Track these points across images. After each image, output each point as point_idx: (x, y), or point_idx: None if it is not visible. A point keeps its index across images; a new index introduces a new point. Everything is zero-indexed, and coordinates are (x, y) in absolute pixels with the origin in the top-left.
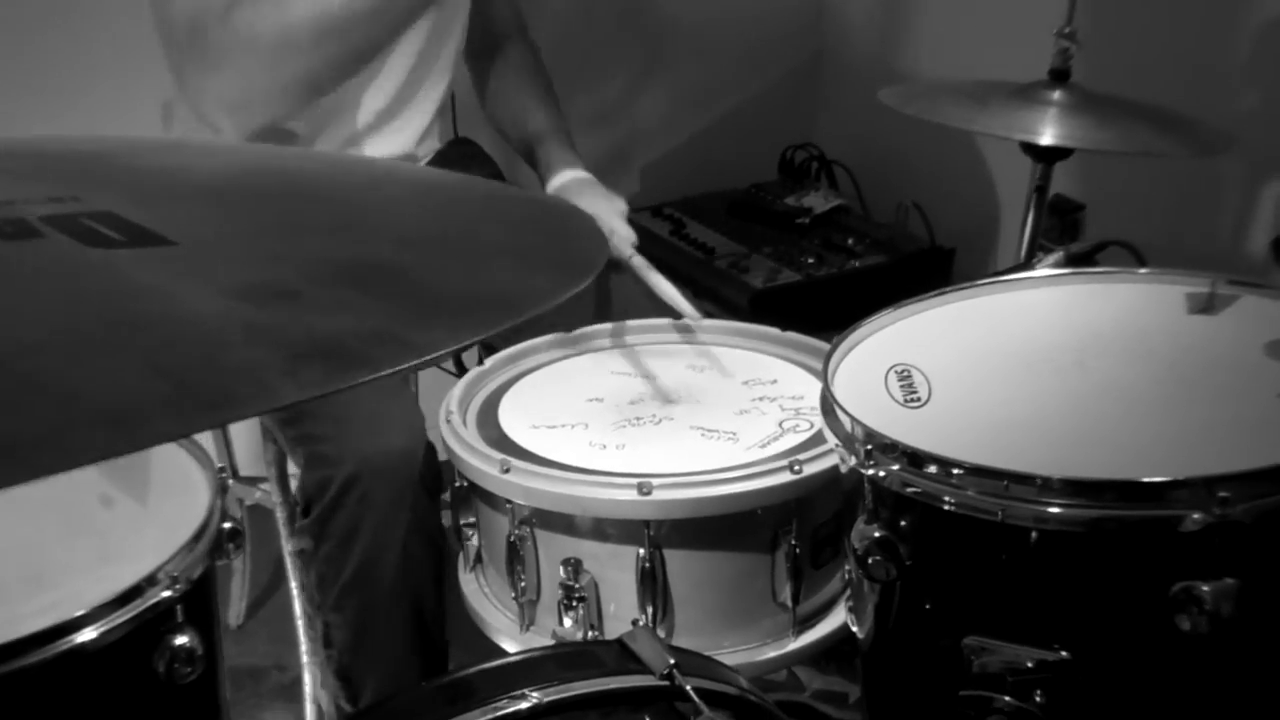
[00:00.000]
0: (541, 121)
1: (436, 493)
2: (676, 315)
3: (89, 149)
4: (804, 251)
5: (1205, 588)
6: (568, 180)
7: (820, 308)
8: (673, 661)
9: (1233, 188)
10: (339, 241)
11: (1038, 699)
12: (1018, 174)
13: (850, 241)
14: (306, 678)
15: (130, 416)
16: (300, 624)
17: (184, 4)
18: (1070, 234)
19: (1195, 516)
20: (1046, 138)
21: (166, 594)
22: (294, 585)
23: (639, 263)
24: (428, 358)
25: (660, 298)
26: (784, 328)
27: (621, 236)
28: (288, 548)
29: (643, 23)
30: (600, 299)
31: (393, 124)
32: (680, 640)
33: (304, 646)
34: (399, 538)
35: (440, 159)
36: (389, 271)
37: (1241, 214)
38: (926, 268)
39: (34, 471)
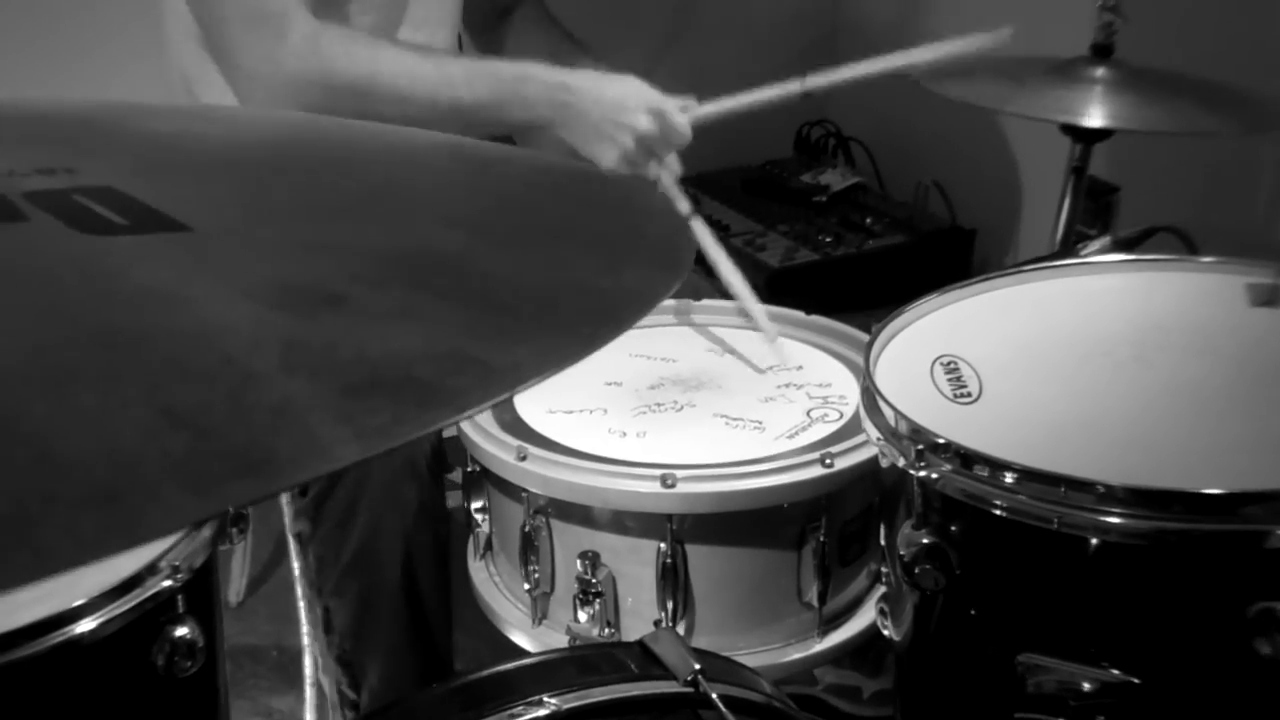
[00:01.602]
0: (573, 58)
1: (440, 473)
2: (693, 294)
3: (90, 112)
4: (821, 230)
5: None
6: None
7: (838, 287)
8: (698, 667)
9: (1273, 169)
10: (387, 225)
11: None
12: (1045, 152)
13: (869, 220)
14: (306, 659)
15: (130, 489)
16: (301, 606)
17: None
18: (1104, 217)
19: (1278, 532)
20: (1091, 119)
21: (167, 583)
22: (295, 568)
23: (689, 212)
24: (516, 390)
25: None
26: (807, 310)
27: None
28: (291, 530)
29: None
30: None
31: None
32: (700, 639)
33: (305, 629)
34: (399, 519)
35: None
36: (452, 265)
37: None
38: (947, 248)
39: None
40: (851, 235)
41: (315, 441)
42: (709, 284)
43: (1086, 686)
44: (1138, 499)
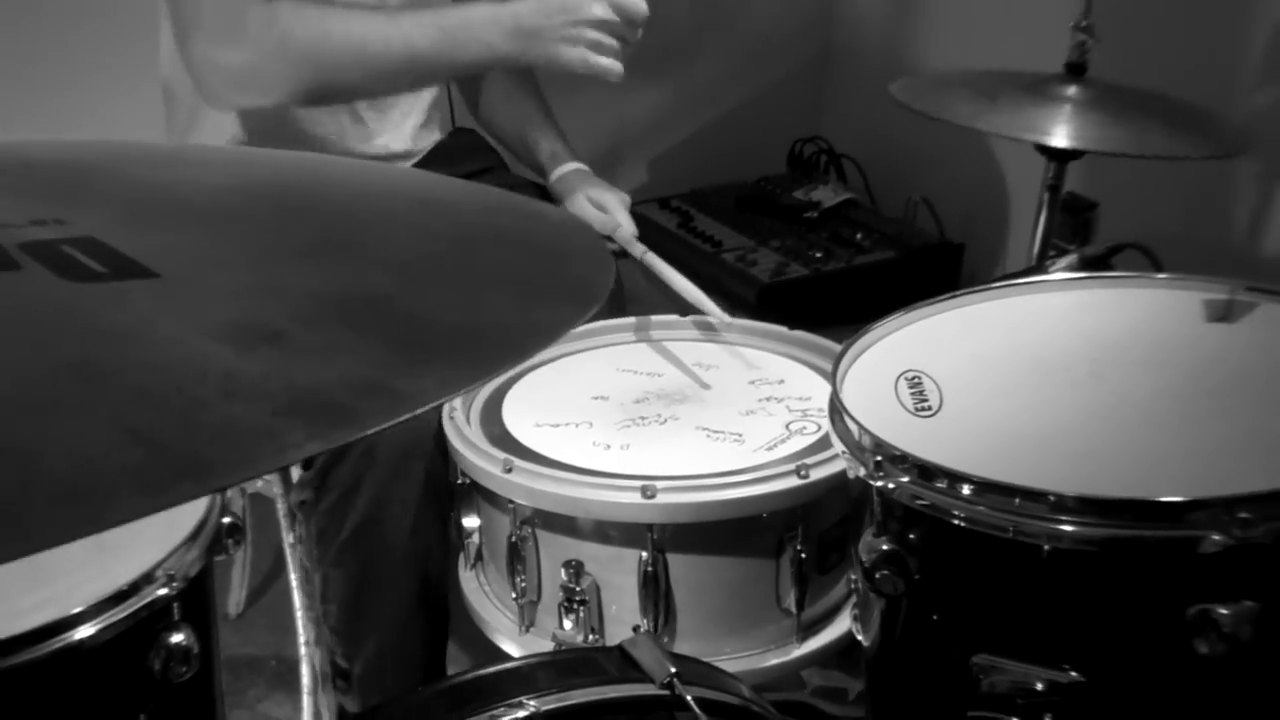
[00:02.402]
0: (537, 120)
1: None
2: (693, 309)
3: (78, 158)
4: (812, 245)
5: (1224, 611)
6: (569, 171)
7: (828, 302)
8: (674, 670)
9: (1250, 186)
10: (330, 269)
11: None
12: (1029, 169)
13: (859, 236)
14: (304, 669)
15: (95, 491)
16: (295, 594)
17: None
18: (1083, 233)
19: (1215, 538)
20: (1059, 139)
21: (163, 591)
22: (287, 540)
23: (653, 260)
24: (418, 411)
25: (681, 296)
26: (792, 324)
27: (627, 228)
28: (287, 539)
29: (654, 16)
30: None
31: (391, 116)
32: (682, 645)
33: (300, 631)
34: (404, 494)
35: (441, 150)
36: (380, 305)
37: (1258, 214)
38: (935, 263)
39: None
40: (842, 250)
41: (244, 453)
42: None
43: (1038, 685)
44: (1088, 508)
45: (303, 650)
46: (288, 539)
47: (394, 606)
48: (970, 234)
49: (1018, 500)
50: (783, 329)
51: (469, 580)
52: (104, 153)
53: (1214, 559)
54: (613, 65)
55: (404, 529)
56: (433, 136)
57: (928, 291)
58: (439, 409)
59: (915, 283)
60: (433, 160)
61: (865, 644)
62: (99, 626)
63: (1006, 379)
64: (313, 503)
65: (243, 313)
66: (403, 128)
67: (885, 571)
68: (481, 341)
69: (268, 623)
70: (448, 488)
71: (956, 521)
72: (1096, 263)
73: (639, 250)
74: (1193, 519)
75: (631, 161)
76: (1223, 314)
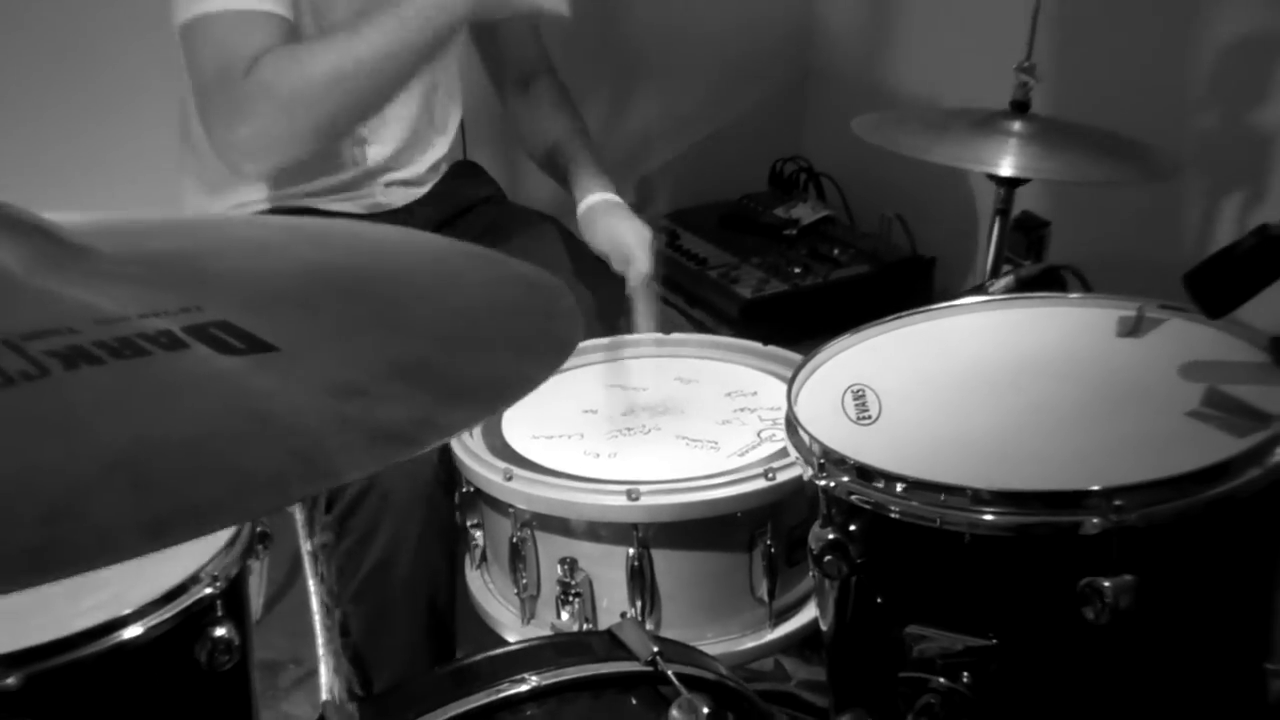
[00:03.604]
0: (573, 148)
1: (453, 490)
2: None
3: (181, 244)
4: (791, 261)
5: (1106, 583)
6: (597, 203)
7: (807, 315)
8: (656, 650)
9: (1194, 203)
10: (389, 339)
11: (965, 679)
12: (991, 188)
13: (836, 251)
14: (323, 669)
15: (280, 482)
16: (317, 617)
17: (211, 57)
18: (1036, 250)
19: (1095, 521)
20: (1003, 169)
21: (208, 591)
22: (310, 581)
23: (638, 296)
24: (450, 436)
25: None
26: (773, 338)
27: (638, 269)
28: (306, 546)
29: (641, 43)
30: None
31: (409, 154)
32: (667, 632)
33: (320, 639)
34: (416, 534)
35: (446, 181)
36: (424, 366)
37: (1202, 229)
38: (909, 276)
39: (217, 524)
40: (819, 265)
41: (355, 460)
42: (680, 319)
43: (958, 648)
44: (1000, 500)
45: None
46: (306, 546)
47: (406, 638)
48: (941, 248)
49: (943, 495)
50: (757, 344)
51: (475, 580)
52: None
53: (1096, 539)
54: (559, 4)
55: (414, 569)
56: (444, 167)
57: (902, 303)
58: (448, 448)
59: (889, 295)
60: (438, 190)
61: (823, 625)
62: (149, 624)
63: (938, 390)
64: (333, 545)
65: (339, 375)
66: (420, 163)
67: (830, 557)
68: (490, 388)
69: (285, 628)
70: (453, 530)
71: (892, 514)
72: (1031, 283)
73: (633, 283)
74: (1081, 506)
75: (619, 181)
76: (1132, 329)
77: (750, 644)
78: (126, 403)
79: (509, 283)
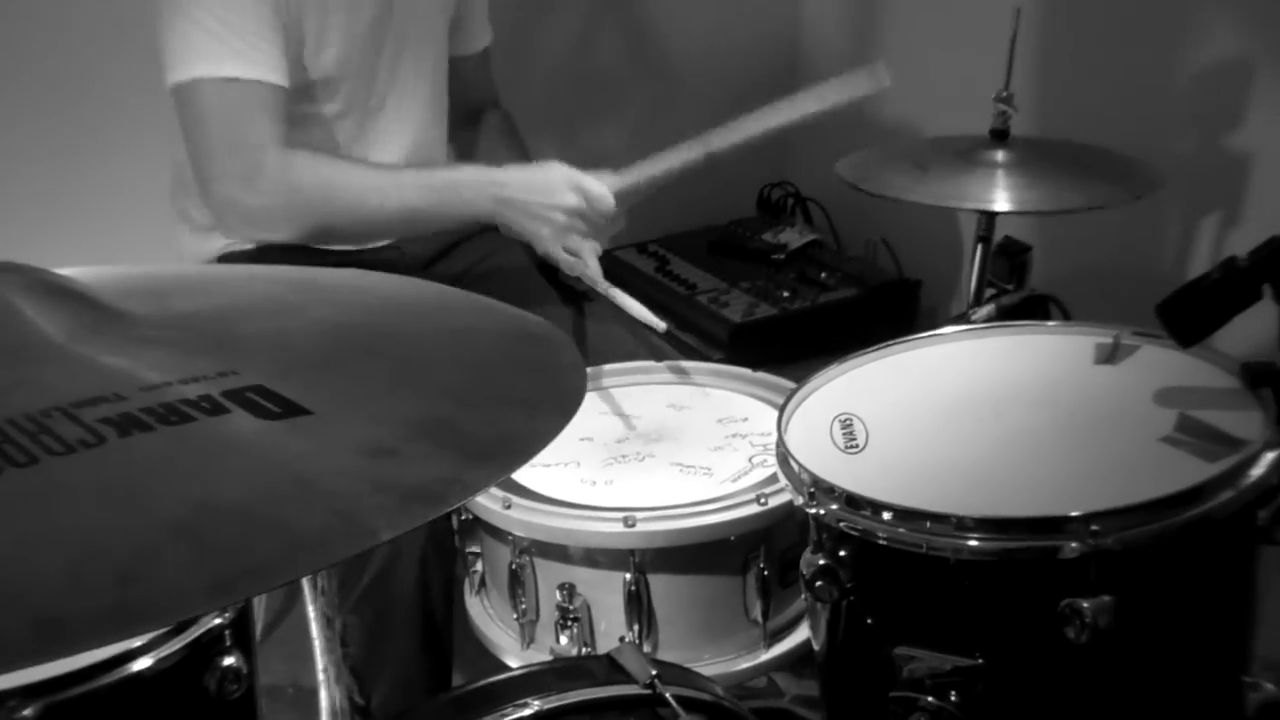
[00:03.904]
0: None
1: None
2: (653, 357)
3: (210, 305)
4: (780, 285)
5: (1085, 604)
6: None
7: (796, 338)
8: (654, 673)
9: (1171, 225)
10: (412, 400)
11: (953, 698)
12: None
13: (823, 275)
14: (323, 695)
15: (325, 543)
16: (316, 628)
17: (217, 127)
18: (1018, 274)
19: (1073, 545)
20: (985, 204)
21: (216, 621)
22: (308, 593)
23: (616, 293)
24: (477, 494)
25: (638, 320)
26: (762, 362)
27: (592, 272)
28: (309, 592)
29: (629, 73)
30: (577, 339)
31: None
32: (664, 655)
33: (319, 650)
34: (418, 544)
35: None
36: (447, 425)
37: (1180, 250)
38: (895, 299)
39: (272, 583)
40: (808, 289)
41: (392, 520)
42: (670, 348)
43: (946, 668)
44: (983, 526)
45: (320, 677)
46: (309, 594)
47: (405, 648)
48: (926, 271)
49: (928, 523)
50: (746, 370)
51: (474, 605)
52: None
53: (1076, 562)
54: (577, 262)
55: (413, 580)
56: None
57: (888, 325)
58: None
59: (876, 318)
60: None
61: (816, 646)
62: (159, 655)
63: (922, 419)
64: None
65: (370, 437)
66: None
67: (821, 582)
68: (509, 447)
69: (284, 653)
70: (451, 542)
71: (879, 541)
72: (1012, 311)
73: (603, 287)
74: (1059, 531)
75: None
76: (1108, 356)
77: (746, 664)
78: (180, 468)
79: (518, 337)
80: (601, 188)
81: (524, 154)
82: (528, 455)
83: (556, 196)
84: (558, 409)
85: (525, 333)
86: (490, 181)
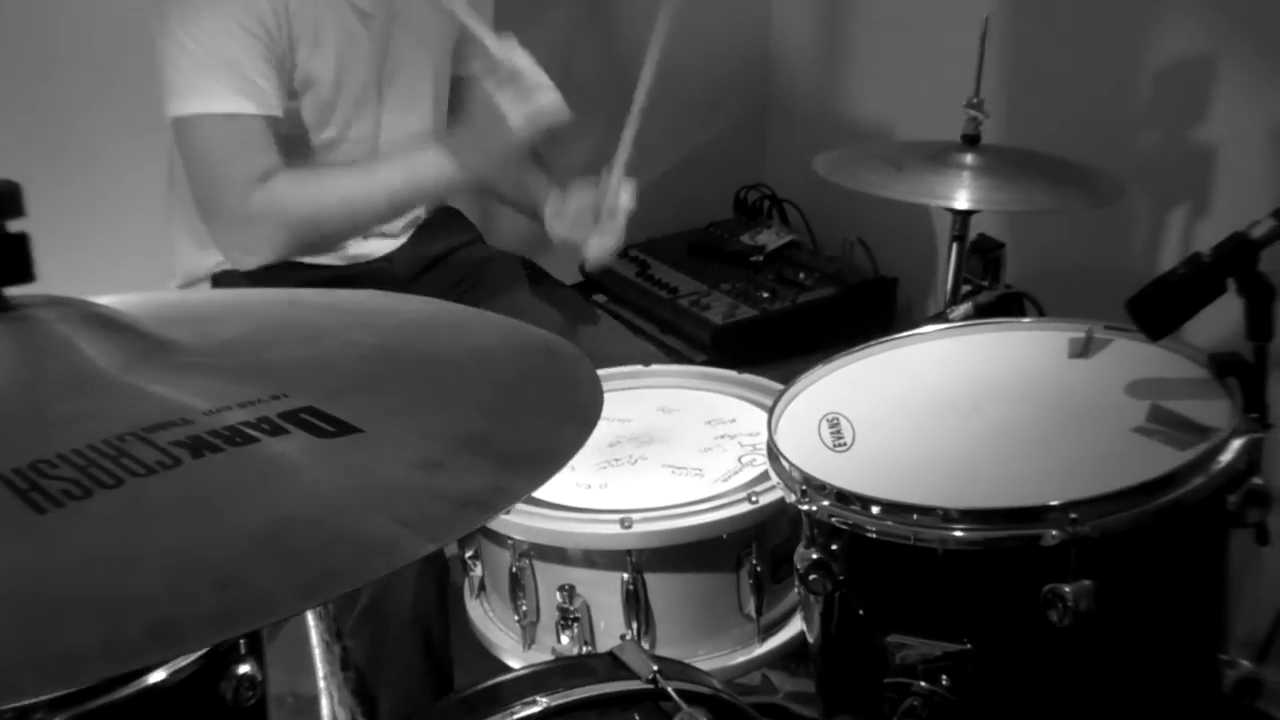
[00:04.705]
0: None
1: None
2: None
3: (244, 332)
4: (759, 287)
5: (1067, 589)
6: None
7: (777, 338)
8: (656, 668)
9: (1140, 221)
10: (452, 415)
11: (945, 683)
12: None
13: (801, 275)
14: (323, 702)
15: (393, 547)
16: (318, 651)
17: (215, 162)
18: (993, 270)
19: (1054, 533)
20: (958, 202)
21: None
22: (310, 617)
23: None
24: (517, 500)
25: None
26: (745, 362)
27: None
28: (310, 616)
29: (605, 79)
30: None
31: None
32: (662, 650)
33: (321, 673)
34: (409, 569)
35: (426, 226)
36: (485, 439)
37: (1149, 244)
38: (872, 297)
39: (350, 584)
40: (786, 290)
41: (450, 525)
42: (659, 353)
43: (937, 654)
44: (968, 517)
45: (321, 685)
46: (311, 618)
47: (404, 667)
48: (902, 269)
49: (915, 515)
50: (733, 373)
51: (474, 608)
52: (256, 319)
53: (1056, 550)
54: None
55: (407, 601)
56: (422, 216)
57: (867, 323)
58: None
59: (855, 316)
60: (417, 236)
61: (810, 638)
62: (180, 664)
63: (906, 416)
64: None
65: (417, 451)
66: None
67: (815, 576)
68: (542, 456)
69: (282, 663)
70: (444, 561)
71: (870, 534)
72: (989, 309)
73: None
74: (1040, 519)
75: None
76: (1081, 350)
77: (741, 658)
78: (252, 485)
79: (534, 353)
80: (535, 83)
81: (541, 163)
82: (559, 464)
83: (502, 120)
84: (580, 420)
85: (544, 349)
86: (447, 143)
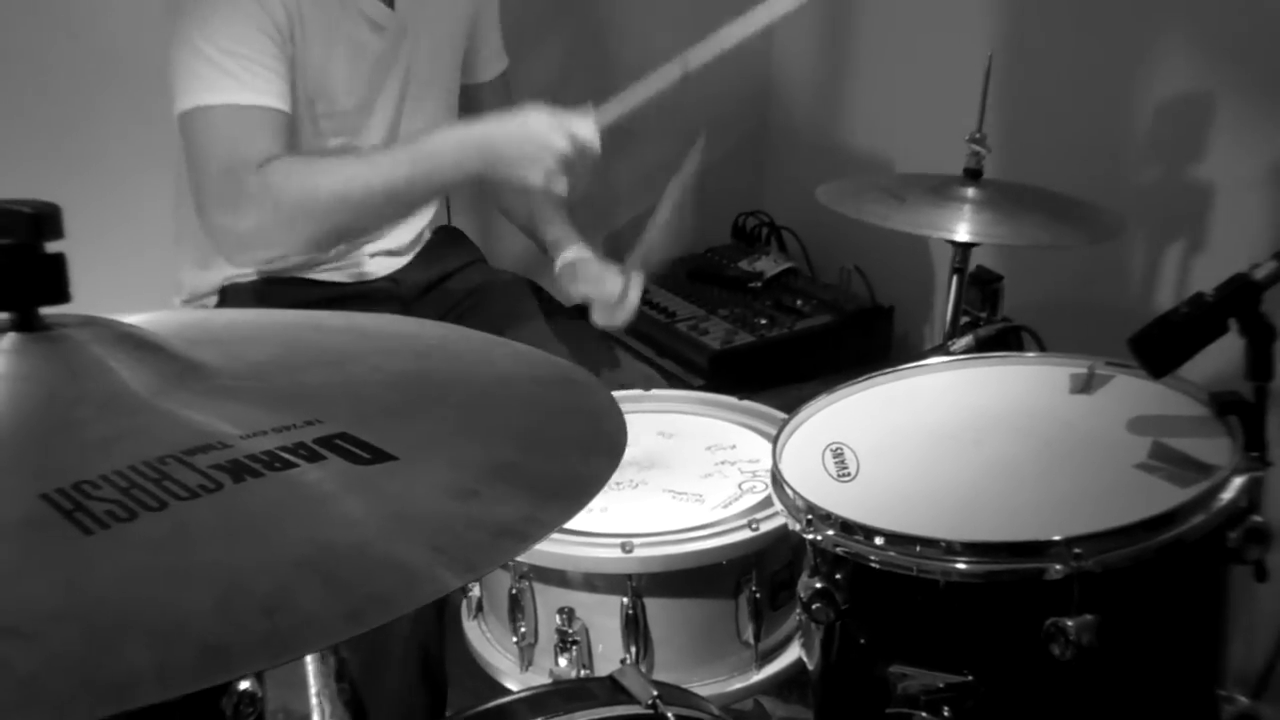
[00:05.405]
0: (548, 213)
1: None
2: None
3: (273, 355)
4: (757, 313)
5: (1069, 623)
6: (574, 258)
7: (774, 365)
8: (655, 693)
9: (1137, 255)
10: (483, 444)
11: (946, 714)
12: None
13: (799, 302)
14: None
15: (434, 575)
16: (312, 666)
17: (215, 151)
18: (991, 303)
19: (1057, 567)
20: (959, 235)
21: None
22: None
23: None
24: (552, 530)
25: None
26: (742, 388)
27: (629, 304)
28: None
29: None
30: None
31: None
32: (659, 675)
33: (314, 689)
34: None
35: (429, 249)
36: (516, 468)
37: (1146, 279)
38: (869, 325)
39: (396, 611)
40: (784, 316)
41: (486, 554)
42: (659, 376)
43: (939, 685)
44: (971, 550)
45: (313, 703)
46: None
47: (400, 682)
48: (899, 298)
49: (918, 547)
50: (733, 399)
51: (472, 629)
52: (284, 342)
53: (1059, 584)
54: (562, 185)
55: (407, 616)
56: (426, 235)
57: (863, 351)
58: None
59: (851, 344)
60: (421, 256)
61: (810, 666)
62: None
63: (909, 448)
64: None
65: (452, 480)
66: (404, 234)
67: (818, 604)
68: (571, 486)
69: (272, 679)
70: None
71: (873, 564)
72: (989, 342)
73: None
74: (1043, 554)
75: (590, 237)
76: (1083, 386)
77: (738, 685)
78: (293, 509)
79: (555, 383)
80: (586, 125)
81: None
82: (590, 494)
83: (543, 140)
84: (605, 449)
85: (564, 378)
86: (476, 138)
